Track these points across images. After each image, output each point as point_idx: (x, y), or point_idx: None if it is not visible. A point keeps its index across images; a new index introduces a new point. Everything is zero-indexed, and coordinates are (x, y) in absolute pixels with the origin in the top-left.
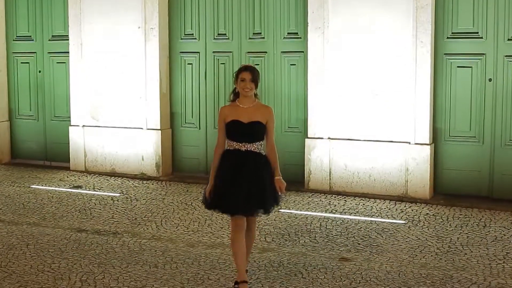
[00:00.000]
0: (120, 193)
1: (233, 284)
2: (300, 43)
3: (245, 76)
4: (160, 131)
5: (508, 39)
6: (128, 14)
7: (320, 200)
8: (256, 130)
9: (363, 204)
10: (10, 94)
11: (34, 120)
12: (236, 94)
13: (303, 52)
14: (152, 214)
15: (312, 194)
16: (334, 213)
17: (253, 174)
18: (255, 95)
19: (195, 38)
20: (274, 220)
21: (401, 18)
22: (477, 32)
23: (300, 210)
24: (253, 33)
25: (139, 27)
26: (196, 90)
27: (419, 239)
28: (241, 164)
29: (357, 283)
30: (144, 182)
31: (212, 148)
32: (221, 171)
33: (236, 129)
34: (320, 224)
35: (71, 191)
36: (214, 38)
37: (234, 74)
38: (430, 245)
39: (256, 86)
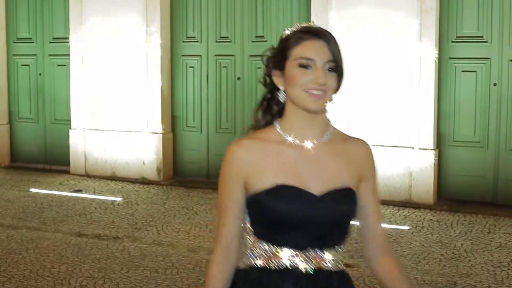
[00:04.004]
0: (120, 197)
1: None
2: None
3: (315, 50)
4: (161, 134)
5: None
6: (129, 16)
7: None
8: (343, 215)
9: None
10: (10, 97)
11: (34, 123)
12: (274, 112)
13: None
14: (153, 219)
15: None
16: None
17: None
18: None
19: (197, 41)
20: None
21: (406, 21)
22: (482, 36)
23: None
24: (256, 36)
25: (140, 30)
26: (197, 93)
27: (423, 245)
28: None
29: None
30: (145, 186)
31: (214, 151)
32: None
33: (291, 213)
34: None
35: (71, 195)
36: (217, 41)
37: (270, 52)
38: (433, 251)
39: (340, 85)
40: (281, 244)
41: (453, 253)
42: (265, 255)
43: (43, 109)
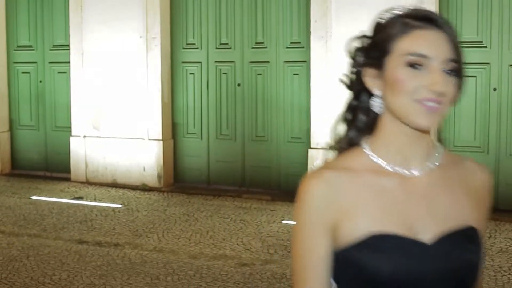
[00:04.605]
0: (121, 204)
1: None
2: (303, 52)
3: (430, 43)
4: (161, 141)
5: None
6: (129, 23)
7: None
8: (468, 267)
9: None
10: (10, 104)
11: (35, 131)
12: (360, 125)
13: (306, 61)
14: (154, 226)
15: None
16: None
17: None
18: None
19: (197, 48)
20: (277, 231)
21: None
22: (482, 41)
23: None
24: (256, 43)
25: (140, 37)
26: (198, 100)
27: None
28: None
29: None
30: (146, 193)
31: (215, 158)
32: None
33: (394, 275)
34: None
35: (72, 202)
36: (217, 48)
37: (361, 42)
38: None
39: (459, 95)
40: None
41: None
42: None
43: (43, 116)
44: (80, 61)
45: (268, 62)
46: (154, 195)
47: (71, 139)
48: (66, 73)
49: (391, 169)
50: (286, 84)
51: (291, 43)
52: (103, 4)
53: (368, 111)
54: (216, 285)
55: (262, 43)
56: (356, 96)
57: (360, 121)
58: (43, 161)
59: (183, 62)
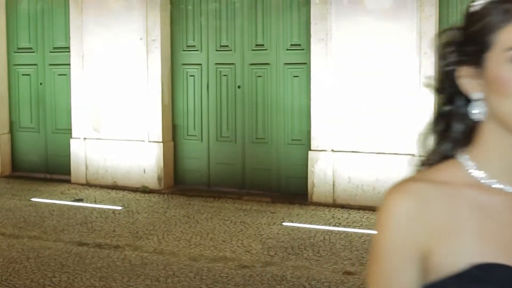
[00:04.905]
0: (121, 206)
1: None
2: (303, 54)
3: None
4: (162, 143)
5: None
6: (130, 25)
7: (324, 213)
8: None
9: (367, 217)
10: (11, 107)
11: (35, 133)
12: (455, 135)
13: (306, 63)
14: (154, 228)
15: (316, 207)
16: (338, 226)
17: None
18: None
19: (198, 50)
20: (277, 233)
21: (405, 29)
22: None
23: (304, 223)
24: (256, 45)
25: (141, 39)
26: (198, 102)
27: None
28: None
29: None
30: (146, 195)
31: (215, 160)
32: None
33: None
34: (323, 237)
35: (72, 204)
36: (217, 50)
37: (452, 35)
38: None
39: None
40: None
41: None
42: None
43: (44, 118)
44: (80, 63)
45: (268, 64)
46: (154, 197)
47: (71, 141)
48: (67, 75)
49: (495, 186)
50: (286, 86)
51: (291, 45)
52: (103, 7)
53: (464, 118)
54: (216, 287)
55: (262, 45)
56: (449, 101)
57: (456, 130)
58: (43, 163)
59: (183, 64)
